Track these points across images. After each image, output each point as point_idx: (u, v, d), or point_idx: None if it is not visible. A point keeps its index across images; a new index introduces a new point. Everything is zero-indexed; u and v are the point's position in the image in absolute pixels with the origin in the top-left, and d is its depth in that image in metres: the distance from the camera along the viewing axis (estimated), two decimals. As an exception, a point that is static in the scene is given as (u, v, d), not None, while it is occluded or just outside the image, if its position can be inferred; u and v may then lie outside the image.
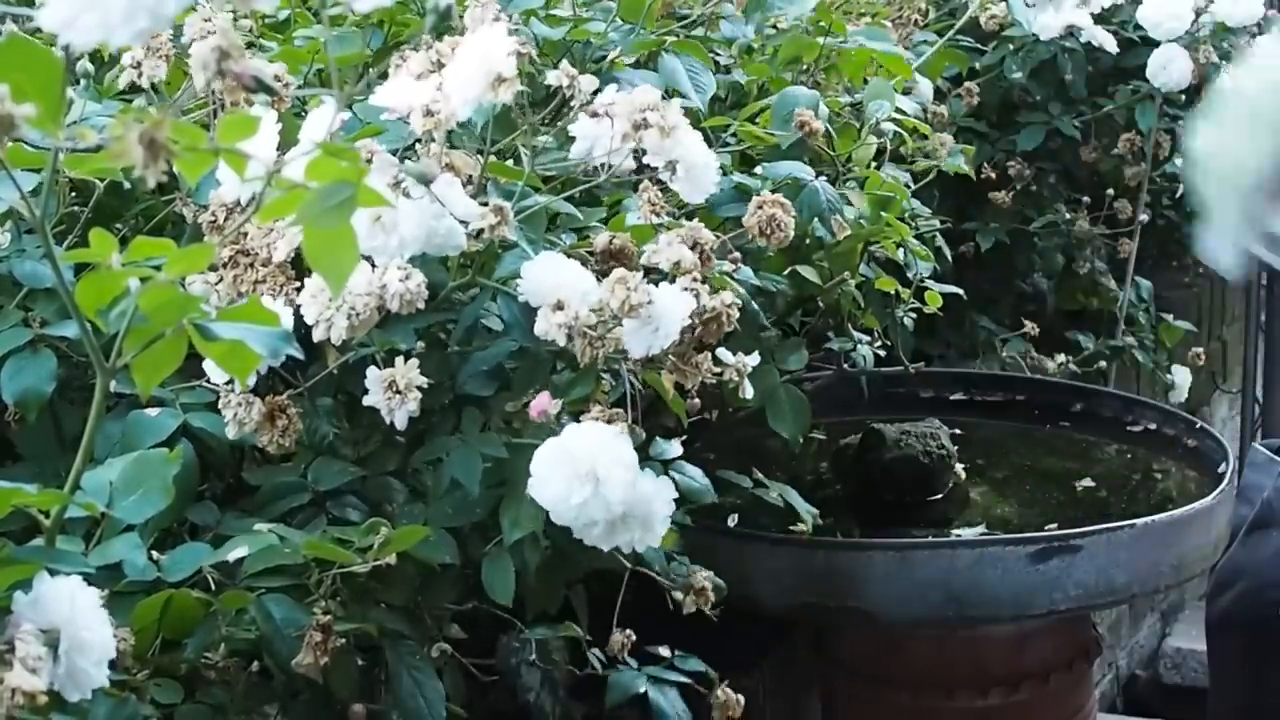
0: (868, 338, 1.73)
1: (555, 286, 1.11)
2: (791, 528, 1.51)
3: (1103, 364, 2.49)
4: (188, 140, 0.71)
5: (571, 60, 1.42)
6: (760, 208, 1.23)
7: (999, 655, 1.71)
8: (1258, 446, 2.38)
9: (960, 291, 1.79)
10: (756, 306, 1.41)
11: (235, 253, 1.12)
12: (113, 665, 0.86)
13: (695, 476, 1.27)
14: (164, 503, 0.97)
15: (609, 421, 1.12)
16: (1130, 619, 2.84)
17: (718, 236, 1.23)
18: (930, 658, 1.73)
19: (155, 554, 1.04)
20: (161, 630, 1.03)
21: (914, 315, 1.75)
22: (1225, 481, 1.66)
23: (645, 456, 1.17)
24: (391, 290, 1.09)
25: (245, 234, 1.12)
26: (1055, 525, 1.66)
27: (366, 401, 1.12)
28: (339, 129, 0.93)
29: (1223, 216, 1.21)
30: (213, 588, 1.05)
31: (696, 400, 1.32)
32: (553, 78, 1.17)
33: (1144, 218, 2.48)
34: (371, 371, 1.12)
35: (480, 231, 1.12)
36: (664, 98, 1.17)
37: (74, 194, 1.23)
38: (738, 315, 1.16)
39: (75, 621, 0.83)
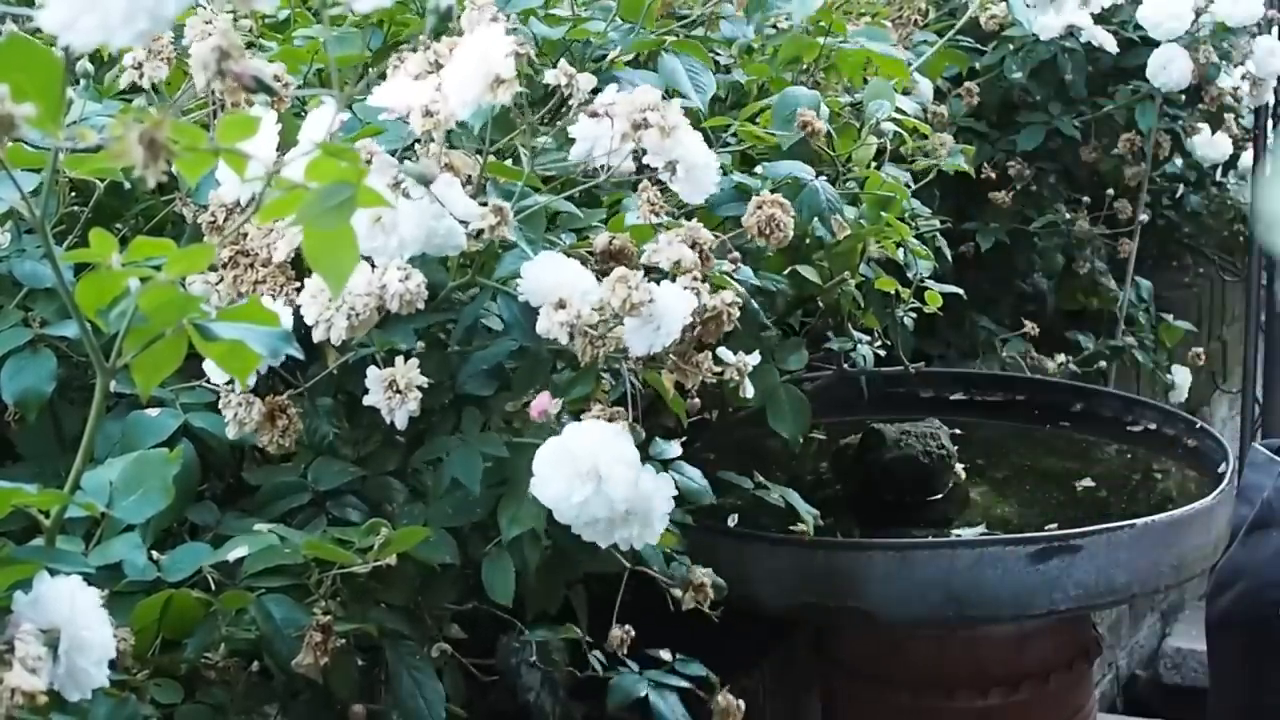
0: (868, 338, 1.73)
1: (555, 286, 1.11)
2: (792, 528, 1.51)
3: (1103, 364, 2.49)
4: (188, 140, 0.71)
5: (571, 60, 1.41)
6: (760, 208, 1.23)
7: (999, 655, 1.71)
8: (1258, 446, 2.39)
9: (960, 291, 1.78)
10: (756, 306, 1.41)
11: (235, 253, 1.12)
12: (113, 665, 0.86)
13: (694, 477, 1.27)
14: (164, 503, 0.97)
15: (609, 420, 1.12)
16: (1130, 619, 2.84)
17: (717, 236, 1.22)
18: (930, 658, 1.72)
19: (155, 554, 1.04)
20: (161, 630, 1.03)
21: (914, 315, 1.74)
22: (1225, 481, 1.66)
23: (645, 456, 1.17)
24: (391, 290, 1.09)
25: (245, 234, 1.12)
26: (1055, 525, 1.66)
27: (366, 401, 1.12)
28: (339, 129, 0.93)
29: None
30: (213, 588, 1.04)
31: (696, 400, 1.32)
32: (551, 77, 1.16)
33: (1144, 218, 2.48)
34: (371, 371, 1.12)
35: (480, 231, 1.12)
36: (664, 98, 1.16)
37: (74, 194, 1.23)
38: (738, 314, 1.16)
39: (75, 621, 0.83)
